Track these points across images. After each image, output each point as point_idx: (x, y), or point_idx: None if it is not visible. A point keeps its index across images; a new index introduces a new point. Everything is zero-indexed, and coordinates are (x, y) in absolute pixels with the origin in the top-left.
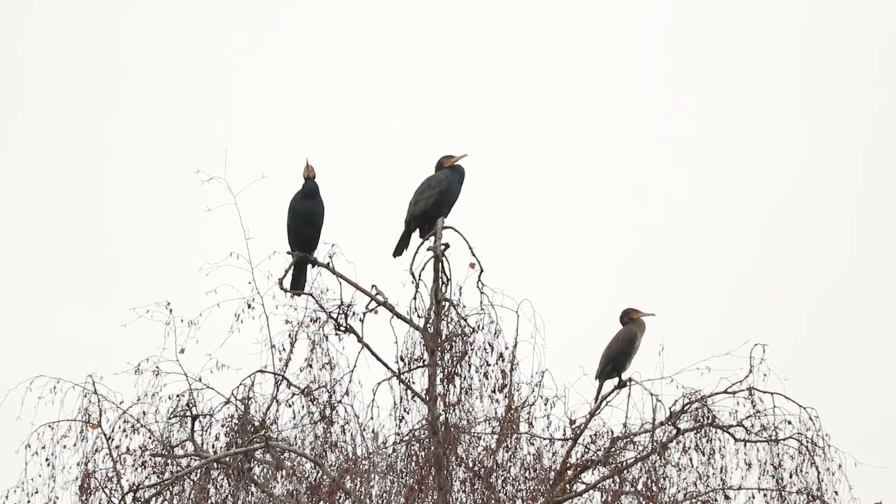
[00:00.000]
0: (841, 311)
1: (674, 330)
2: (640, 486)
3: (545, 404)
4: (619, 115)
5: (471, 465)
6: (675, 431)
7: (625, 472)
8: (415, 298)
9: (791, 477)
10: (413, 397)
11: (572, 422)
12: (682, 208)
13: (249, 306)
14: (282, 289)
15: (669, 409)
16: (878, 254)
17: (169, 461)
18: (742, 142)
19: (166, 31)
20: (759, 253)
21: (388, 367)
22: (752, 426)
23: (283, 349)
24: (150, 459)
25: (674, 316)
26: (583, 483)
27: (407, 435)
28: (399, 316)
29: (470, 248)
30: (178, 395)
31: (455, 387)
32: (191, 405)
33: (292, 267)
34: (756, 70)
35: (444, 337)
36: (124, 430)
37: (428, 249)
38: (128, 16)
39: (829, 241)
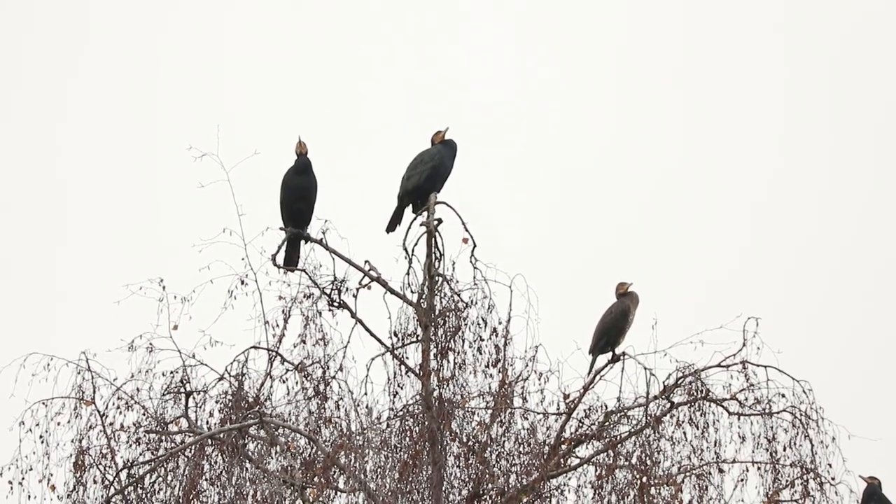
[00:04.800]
0: (836, 286)
1: (667, 304)
2: (634, 460)
3: (539, 379)
4: (611, 87)
5: (465, 439)
6: (668, 405)
7: (619, 446)
8: (408, 274)
9: (785, 450)
10: (407, 372)
11: (566, 396)
12: (676, 182)
13: (243, 282)
14: (275, 265)
15: (663, 383)
16: (874, 228)
17: (163, 438)
18: (734, 122)
19: (158, 6)
20: (752, 226)
21: (382, 343)
22: (746, 399)
23: (277, 325)
24: (145, 436)
25: (667, 290)
26: (577, 457)
27: (401, 410)
28: (392, 291)
29: (463, 222)
30: (171, 372)
31: (449, 362)
32: (184, 382)
33: (285, 243)
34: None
35: (437, 312)
36: (118, 407)
37: (421, 225)
38: None
39: (824, 214)
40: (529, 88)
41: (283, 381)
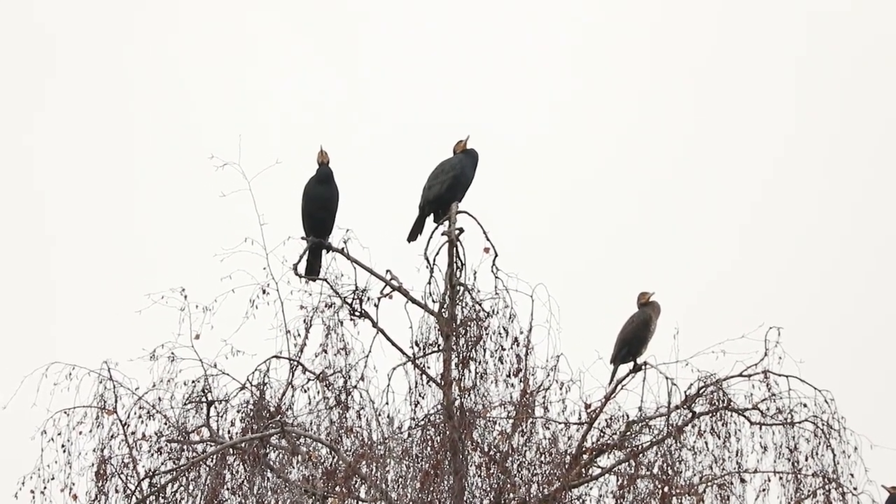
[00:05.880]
0: (858, 296)
1: (689, 313)
2: (655, 470)
3: (560, 388)
4: (629, 97)
5: (486, 449)
6: (690, 415)
7: (640, 455)
8: (429, 283)
9: (807, 460)
10: (428, 382)
11: (588, 406)
12: (696, 190)
13: (264, 292)
14: (296, 274)
15: (685, 392)
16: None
17: (185, 447)
18: (742, 122)
19: (181, 17)
20: (775, 234)
21: (403, 352)
22: (768, 409)
23: (298, 335)
24: (166, 445)
25: (689, 299)
26: (598, 467)
27: (422, 420)
28: (414, 301)
29: (484, 232)
30: (193, 381)
31: (470, 371)
32: (206, 391)
33: (307, 252)
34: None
35: (458, 321)
36: (140, 417)
37: (442, 234)
38: (141, 2)
39: (851, 222)
40: (548, 92)
41: (305, 391)
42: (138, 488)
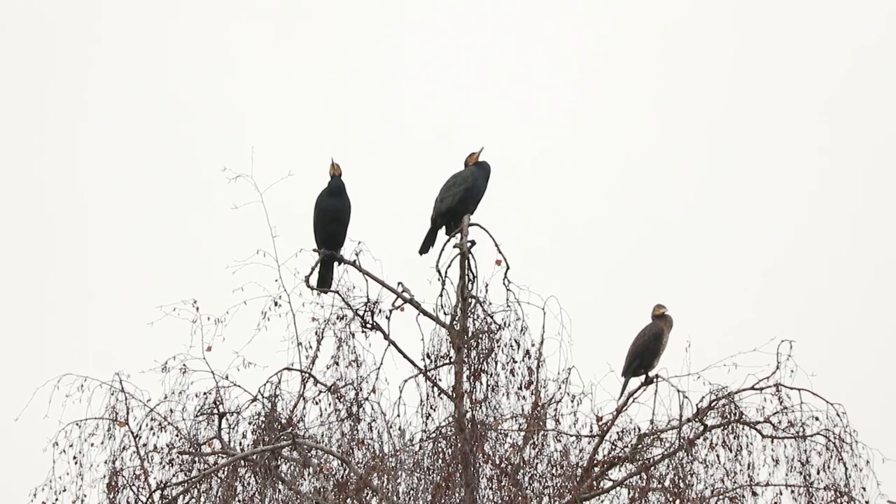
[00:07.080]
0: (870, 308)
1: (701, 326)
2: (667, 483)
3: (572, 401)
4: (639, 108)
5: (498, 461)
6: (702, 428)
7: (652, 468)
8: (441, 296)
9: (818, 473)
10: (439, 394)
11: (599, 418)
12: (709, 202)
13: (276, 304)
14: (308, 286)
15: (696, 405)
16: None
17: (196, 459)
18: (757, 138)
19: (196, 28)
20: (786, 247)
21: (415, 365)
22: (780, 422)
23: (310, 347)
24: (178, 457)
25: (701, 312)
26: (610, 480)
27: (434, 432)
28: (425, 313)
29: (496, 244)
30: (205, 393)
31: (481, 384)
32: (218, 403)
33: (319, 264)
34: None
35: (470, 334)
36: (151, 428)
37: (454, 247)
38: (158, 17)
39: (853, 236)
40: (560, 104)
41: (316, 403)
42: (150, 500)
